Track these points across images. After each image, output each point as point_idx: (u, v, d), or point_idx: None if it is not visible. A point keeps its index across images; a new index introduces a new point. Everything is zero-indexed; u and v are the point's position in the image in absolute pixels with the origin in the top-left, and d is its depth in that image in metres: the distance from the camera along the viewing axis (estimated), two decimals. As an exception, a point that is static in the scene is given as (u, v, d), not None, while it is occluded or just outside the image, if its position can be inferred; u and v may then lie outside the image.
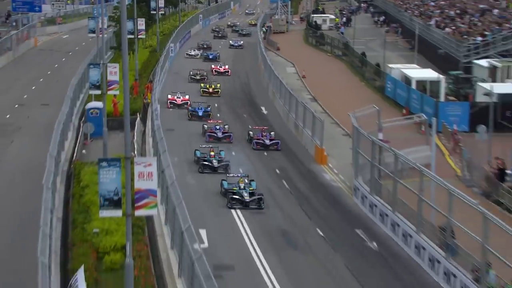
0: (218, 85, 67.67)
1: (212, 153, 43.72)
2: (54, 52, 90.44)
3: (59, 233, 33.89)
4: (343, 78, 79.11)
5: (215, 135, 49.57)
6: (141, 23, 71.22)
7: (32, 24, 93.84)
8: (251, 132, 50.93)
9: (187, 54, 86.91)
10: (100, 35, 55.08)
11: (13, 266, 32.38)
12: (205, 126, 52.21)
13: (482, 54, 71.65)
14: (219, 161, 43.91)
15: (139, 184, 21.99)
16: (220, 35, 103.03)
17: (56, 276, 27.83)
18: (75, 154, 48.86)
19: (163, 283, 30.64)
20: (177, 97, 61.98)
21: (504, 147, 46.15)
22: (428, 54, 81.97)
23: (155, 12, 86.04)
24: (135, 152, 43.81)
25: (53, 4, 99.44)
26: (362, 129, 42.61)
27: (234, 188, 37.85)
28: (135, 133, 49.81)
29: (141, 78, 69.73)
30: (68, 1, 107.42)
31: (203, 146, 46.80)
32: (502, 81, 63.20)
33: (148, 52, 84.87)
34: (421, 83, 63.34)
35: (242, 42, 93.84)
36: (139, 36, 70.45)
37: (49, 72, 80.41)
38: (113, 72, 43.60)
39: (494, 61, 66.97)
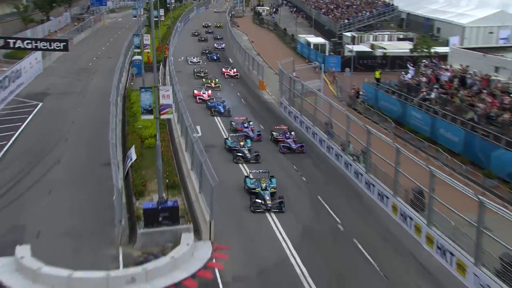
0: (217, 79, 63.58)
1: (242, 143, 40.31)
2: (113, 29, 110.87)
3: (120, 128, 42.96)
4: (274, 42, 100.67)
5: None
6: (161, 11, 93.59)
7: (101, 12, 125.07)
8: (274, 133, 43.82)
9: (190, 61, 78.56)
10: (139, 18, 73.54)
11: (97, 142, 41.36)
12: (233, 123, 46.35)
13: (347, 29, 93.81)
14: (249, 151, 39.79)
15: (162, 101, 28.66)
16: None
17: (119, 151, 37.42)
18: (127, 85, 60.66)
19: (177, 154, 39.75)
20: (203, 93, 56.81)
21: (358, 80, 58.81)
22: (319, 29, 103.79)
23: (169, 5, 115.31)
24: (160, 83, 48.87)
25: (113, 1, 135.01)
26: (284, 70, 54.80)
27: (257, 189, 33.03)
28: (159, 73, 61.09)
29: (162, 43, 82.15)
30: None
31: (232, 135, 43.05)
32: (358, 44, 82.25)
33: (166, 28, 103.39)
34: (316, 45, 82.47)
35: (224, 44, 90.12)
36: (160, 19, 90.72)
37: (111, 39, 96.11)
38: (147, 39, 56.06)
39: (353, 33, 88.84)
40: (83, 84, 63.62)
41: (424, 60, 60.49)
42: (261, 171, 35.27)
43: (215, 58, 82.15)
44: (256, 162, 38.32)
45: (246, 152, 39.37)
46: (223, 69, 69.88)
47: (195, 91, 57.65)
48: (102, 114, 45.00)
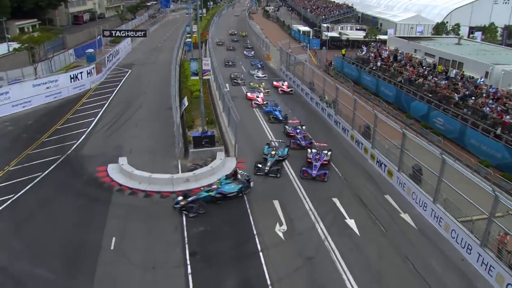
0: (263, 83, 45.49)
1: (273, 152, 27.71)
2: (174, 22, 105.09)
3: (177, 85, 42.93)
4: (276, 30, 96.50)
5: (298, 142, 30.18)
6: (204, 10, 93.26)
7: (166, 12, 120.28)
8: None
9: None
10: (190, 15, 74.76)
11: (163, 94, 41.78)
12: (287, 127, 32.95)
13: (324, 22, 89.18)
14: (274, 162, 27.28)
15: (204, 67, 29.58)
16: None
17: (177, 99, 37.12)
18: (181, 57, 59.79)
19: (213, 102, 39.90)
20: (256, 96, 40.39)
21: (331, 54, 57.88)
22: (306, 21, 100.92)
23: (209, 6, 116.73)
24: (203, 56, 41.83)
25: (174, 4, 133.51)
26: (283, 47, 53.86)
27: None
28: (202, 50, 58.47)
29: (204, 30, 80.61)
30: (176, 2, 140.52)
31: (273, 140, 30.77)
32: (330, 31, 79.33)
33: (206, 21, 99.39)
34: (304, 32, 79.64)
35: (253, 52, 64.16)
36: (203, 15, 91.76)
37: (172, 29, 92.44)
38: (194, 28, 55.74)
39: (328, 25, 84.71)
40: (155, 57, 63.25)
41: (372, 43, 61.16)
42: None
43: (259, 66, 55.25)
44: (274, 176, 26.08)
45: (268, 164, 26.73)
46: (274, 82, 45.84)
47: (249, 94, 41.61)
48: (167, 76, 45.36)
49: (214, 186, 23.56)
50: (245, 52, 66.27)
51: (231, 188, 23.55)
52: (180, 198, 22.86)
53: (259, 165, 26.82)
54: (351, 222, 21.35)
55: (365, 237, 20.28)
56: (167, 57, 59.52)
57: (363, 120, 29.67)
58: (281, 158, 27.95)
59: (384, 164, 25.93)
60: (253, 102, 40.13)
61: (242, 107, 37.82)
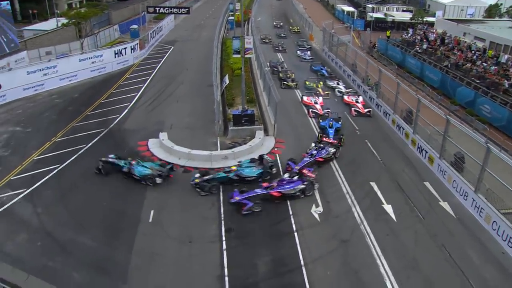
0: (321, 82, 38.44)
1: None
2: (217, 1, 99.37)
3: (219, 62, 42.69)
4: (320, 10, 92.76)
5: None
6: None
7: None
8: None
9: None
10: None
11: (205, 71, 41.73)
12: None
13: (370, 2, 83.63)
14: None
15: (246, 45, 29.45)
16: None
17: (216, 77, 35.47)
18: (223, 35, 59.52)
19: (254, 81, 39.86)
20: (315, 102, 33.07)
21: (375, 36, 55.93)
22: (351, 1, 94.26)
23: None
24: (245, 34, 44.88)
25: None
26: (326, 28, 52.86)
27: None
28: (244, 28, 57.19)
29: (247, 8, 77.91)
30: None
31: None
32: (376, 12, 75.99)
33: (248, 1, 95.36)
34: (348, 12, 77.46)
35: (309, 53, 49.58)
36: None
37: (215, 7, 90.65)
38: (237, 6, 52.95)
39: (373, 5, 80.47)
40: (197, 35, 63.54)
41: (419, 25, 59.22)
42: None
43: (325, 73, 42.31)
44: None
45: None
46: (345, 97, 35.09)
47: (305, 99, 34.41)
48: (208, 54, 45.33)
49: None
50: (299, 52, 50.93)
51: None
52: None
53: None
54: (388, 207, 21.07)
55: (401, 223, 19.96)
56: (209, 34, 59.51)
57: (405, 104, 29.01)
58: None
59: (425, 150, 25.37)
60: (310, 110, 32.68)
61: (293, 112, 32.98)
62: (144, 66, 45.50)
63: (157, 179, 22.79)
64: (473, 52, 41.63)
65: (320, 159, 24.98)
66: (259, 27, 65.39)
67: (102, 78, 41.41)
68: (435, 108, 26.08)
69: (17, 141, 28.16)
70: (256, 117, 29.74)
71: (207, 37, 58.86)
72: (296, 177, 22.58)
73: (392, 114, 30.44)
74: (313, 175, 22.95)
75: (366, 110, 32.90)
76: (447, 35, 48.77)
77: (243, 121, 28.61)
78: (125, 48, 45.40)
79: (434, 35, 49.64)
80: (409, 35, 52.37)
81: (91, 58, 41.80)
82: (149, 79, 40.77)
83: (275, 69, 42.38)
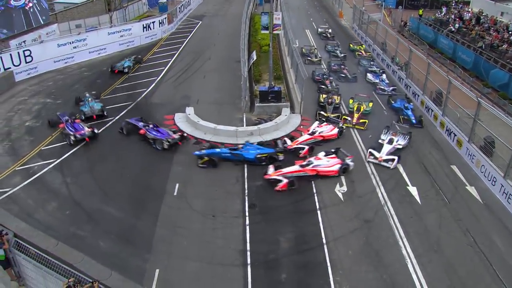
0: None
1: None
2: None
3: (247, 38, 41.94)
4: None
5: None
6: None
7: None
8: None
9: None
10: None
11: (232, 46, 41.57)
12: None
13: None
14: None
15: (275, 21, 28.80)
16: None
17: (244, 53, 34.60)
18: (252, 10, 58.56)
19: (282, 57, 39.52)
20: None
21: (407, 14, 53.07)
22: None
23: None
24: (273, 10, 43.09)
25: None
26: (356, 5, 51.92)
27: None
28: (274, 3, 58.17)
29: None
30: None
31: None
32: None
33: None
34: None
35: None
36: None
37: None
38: None
39: None
40: (225, 10, 63.28)
41: (453, 4, 57.12)
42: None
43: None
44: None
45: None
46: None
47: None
48: (236, 29, 44.97)
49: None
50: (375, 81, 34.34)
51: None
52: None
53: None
54: (413, 190, 20.85)
55: (426, 206, 19.77)
56: (237, 9, 59.00)
57: (435, 85, 28.33)
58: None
59: (454, 133, 24.87)
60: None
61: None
62: (172, 40, 45.68)
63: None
64: (510, 32, 40.04)
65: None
66: (287, 3, 64.40)
67: (130, 51, 41.80)
68: (467, 90, 25.47)
69: (48, 112, 28.91)
70: (283, 94, 29.59)
71: (235, 12, 58.52)
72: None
73: (421, 95, 29.83)
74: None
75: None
76: (483, 14, 46.94)
77: (269, 98, 28.54)
78: (153, 22, 45.58)
79: (469, 14, 47.86)
80: (443, 14, 50.75)
81: (120, 31, 42.22)
82: (177, 54, 40.97)
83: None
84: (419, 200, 20.14)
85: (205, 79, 34.75)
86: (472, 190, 21.04)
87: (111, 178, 21.39)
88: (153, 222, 18.59)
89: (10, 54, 33.67)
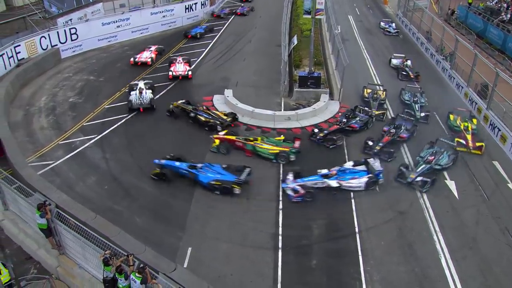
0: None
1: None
2: None
3: (288, 21, 40.10)
4: None
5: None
6: None
7: None
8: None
9: None
10: None
11: (273, 30, 40.62)
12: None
13: None
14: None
15: (318, 6, 27.78)
16: None
17: (287, 37, 34.27)
18: None
19: (323, 43, 38.72)
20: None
21: (455, 2, 49.49)
22: None
23: None
24: None
25: None
26: None
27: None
28: None
29: None
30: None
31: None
32: None
33: None
34: None
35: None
36: None
37: None
38: None
39: None
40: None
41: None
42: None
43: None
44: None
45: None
46: None
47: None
48: (278, 13, 44.51)
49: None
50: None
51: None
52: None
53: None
54: (451, 184, 20.40)
55: (464, 201, 19.31)
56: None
57: (481, 77, 27.37)
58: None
59: (498, 128, 24.05)
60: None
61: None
62: (213, 22, 45.59)
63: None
64: None
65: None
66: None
67: (172, 32, 42.21)
68: (514, 83, 24.47)
69: (90, 89, 29.78)
70: (322, 80, 29.33)
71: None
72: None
73: (466, 87, 28.91)
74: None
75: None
76: (539, 4, 44.70)
77: (308, 83, 28.33)
78: (195, 3, 45.71)
79: (524, 3, 45.68)
80: (494, 2, 48.57)
81: (162, 12, 42.59)
82: (218, 36, 41.02)
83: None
84: (456, 195, 19.70)
85: (245, 62, 34.75)
86: (514, 187, 20.40)
87: (148, 156, 21.63)
88: (188, 201, 18.90)
89: (57, 32, 34.58)
